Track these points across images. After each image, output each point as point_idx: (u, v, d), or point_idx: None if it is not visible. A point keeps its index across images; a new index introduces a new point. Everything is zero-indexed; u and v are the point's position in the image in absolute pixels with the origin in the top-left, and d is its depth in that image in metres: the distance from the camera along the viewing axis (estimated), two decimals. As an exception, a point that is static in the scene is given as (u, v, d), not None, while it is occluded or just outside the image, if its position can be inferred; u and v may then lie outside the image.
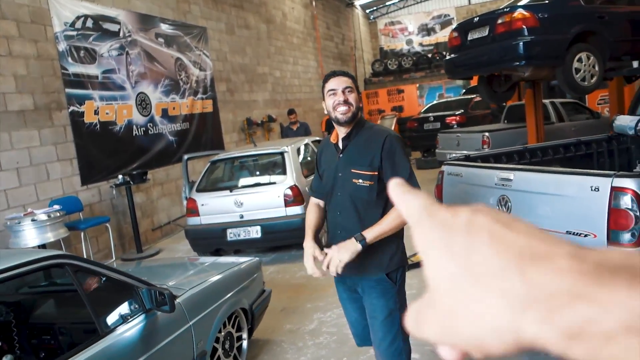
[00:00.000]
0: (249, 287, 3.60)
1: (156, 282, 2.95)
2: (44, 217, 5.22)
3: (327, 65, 18.97)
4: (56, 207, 5.55)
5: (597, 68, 6.20)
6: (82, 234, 6.28)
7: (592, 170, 2.45)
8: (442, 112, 13.14)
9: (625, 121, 3.96)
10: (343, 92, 2.25)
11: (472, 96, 13.86)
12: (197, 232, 6.08)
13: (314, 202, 2.59)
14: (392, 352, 2.24)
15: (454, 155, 10.03)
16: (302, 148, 6.73)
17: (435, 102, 15.18)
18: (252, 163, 6.69)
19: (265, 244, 6.13)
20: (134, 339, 2.55)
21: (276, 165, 6.38)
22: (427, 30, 26.45)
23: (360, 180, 2.25)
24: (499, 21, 6.19)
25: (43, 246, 5.14)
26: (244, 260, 3.86)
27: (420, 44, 26.30)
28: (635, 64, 6.50)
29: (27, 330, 2.84)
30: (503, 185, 2.89)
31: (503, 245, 0.27)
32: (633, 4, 6.58)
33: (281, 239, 5.98)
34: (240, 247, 6.30)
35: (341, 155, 2.33)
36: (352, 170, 2.27)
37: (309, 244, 2.41)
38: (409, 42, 26.58)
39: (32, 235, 5.14)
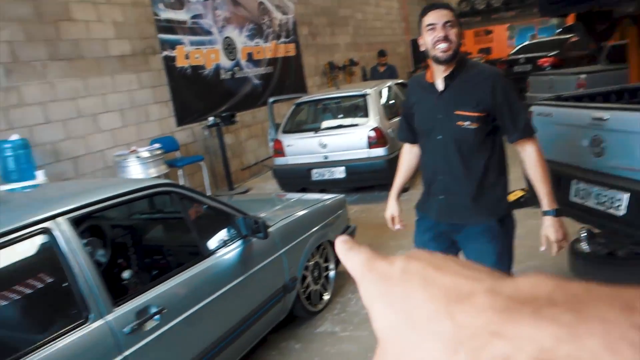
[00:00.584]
0: (335, 222, 3.79)
1: (250, 212, 3.20)
2: (146, 154, 5.68)
3: (410, 6, 18.29)
4: (156, 145, 6.00)
5: None
6: (179, 171, 6.75)
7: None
8: (534, 54, 12.40)
9: None
10: (443, 26, 2.03)
11: (568, 36, 12.93)
12: (283, 172, 6.35)
13: (407, 148, 2.48)
14: None
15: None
16: (385, 90, 6.72)
17: (526, 42, 14.31)
18: (335, 105, 6.79)
19: (349, 184, 6.30)
20: (232, 262, 2.82)
21: (358, 108, 6.44)
22: (520, -36, 24.54)
23: (467, 123, 2.08)
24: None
25: (145, 181, 5.62)
26: (329, 197, 4.04)
27: (513, -20, 24.51)
28: None
29: (141, 250, 3.21)
30: (597, 125, 2.80)
31: (434, 289, 0.27)
32: None
33: (365, 180, 6.11)
34: (325, 187, 6.50)
35: (442, 96, 2.14)
36: (457, 112, 2.09)
37: (391, 204, 2.45)
38: (500, -22, 24.85)
39: (137, 171, 5.62)
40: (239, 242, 2.89)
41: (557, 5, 6.69)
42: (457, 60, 2.11)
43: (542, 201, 2.12)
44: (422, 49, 2.16)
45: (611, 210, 2.77)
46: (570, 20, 15.17)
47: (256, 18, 9.34)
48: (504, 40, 17.30)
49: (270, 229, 3.10)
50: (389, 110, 6.36)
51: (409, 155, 2.48)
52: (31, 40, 5.36)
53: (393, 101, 6.84)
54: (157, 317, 2.24)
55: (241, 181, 8.35)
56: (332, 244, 3.71)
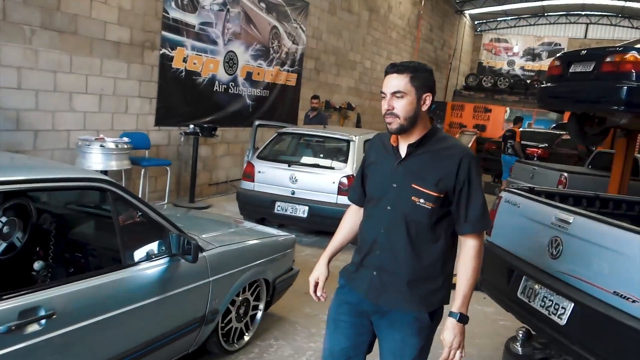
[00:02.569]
0: (278, 261, 3.61)
1: (193, 231, 3.02)
2: (112, 145, 5.47)
3: (419, 67, 18.60)
4: (125, 139, 5.80)
5: None
6: (142, 171, 6.53)
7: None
8: (525, 142, 12.56)
9: None
10: (391, 97, 1.88)
11: (561, 132, 13.17)
12: (247, 197, 6.18)
13: (354, 209, 2.24)
14: None
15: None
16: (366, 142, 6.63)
17: (521, 129, 14.52)
18: (317, 144, 6.69)
19: (309, 225, 6.13)
20: (152, 278, 2.61)
21: (339, 152, 6.34)
22: (532, 55, 25.39)
23: (422, 200, 1.88)
24: (608, 59, 5.78)
25: (105, 172, 5.39)
26: (281, 234, 3.87)
27: (522, 68, 25.30)
28: None
29: (63, 243, 2.98)
30: (559, 226, 2.69)
31: None
32: None
33: (326, 225, 5.94)
34: (285, 222, 6.33)
35: (402, 164, 1.95)
36: (414, 186, 1.89)
37: (320, 267, 2.20)
38: (511, 63, 25.62)
39: (98, 160, 5.40)
40: (165, 260, 2.69)
41: (555, 100, 6.77)
42: (428, 130, 1.95)
43: (455, 300, 1.90)
44: None
45: (553, 317, 2.64)
46: (567, 117, 15.53)
47: (265, 41, 9.33)
48: (500, 121, 17.61)
49: (204, 253, 2.92)
50: (368, 161, 6.26)
51: (354, 217, 2.23)
52: (28, 4, 5.21)
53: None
54: (43, 321, 2.02)
55: (205, 196, 8.14)
56: (268, 282, 3.52)
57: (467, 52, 25.54)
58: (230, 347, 3.26)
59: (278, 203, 5.98)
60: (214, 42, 8.00)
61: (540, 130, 13.75)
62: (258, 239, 3.56)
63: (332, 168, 6.04)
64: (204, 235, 3.17)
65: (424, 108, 1.92)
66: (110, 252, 2.77)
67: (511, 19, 26.35)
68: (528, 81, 22.59)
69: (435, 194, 1.89)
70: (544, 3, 24.20)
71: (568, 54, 6.63)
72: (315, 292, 2.21)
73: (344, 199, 5.77)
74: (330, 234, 6.30)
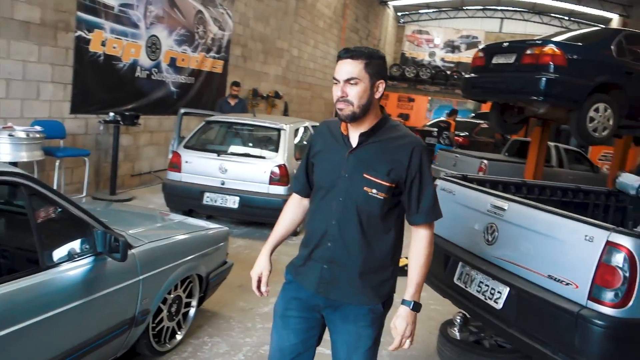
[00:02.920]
0: (211, 255, 3.45)
1: (118, 227, 2.81)
2: (22, 134, 5.02)
3: (345, 57, 18.73)
4: (37, 127, 5.35)
5: (611, 122, 6.10)
6: (57, 162, 6.07)
7: (591, 220, 2.31)
8: (446, 131, 13.01)
9: (629, 180, 3.85)
10: (345, 84, 1.81)
11: (480, 122, 13.76)
12: (174, 188, 5.91)
13: (295, 200, 2.15)
14: None
15: (447, 173, 9.98)
16: (301, 130, 6.56)
17: (442, 118, 15.04)
18: (247, 133, 6.52)
19: (240, 216, 5.98)
20: (76, 280, 2.39)
21: (270, 141, 6.22)
22: (452, 47, 26.31)
23: (374, 191, 1.84)
24: (528, 51, 6.05)
25: (14, 164, 4.94)
26: (212, 227, 3.71)
27: (442, 59, 26.16)
28: (649, 127, 6.40)
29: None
30: (495, 213, 2.75)
31: None
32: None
33: (257, 215, 5.83)
34: (214, 214, 6.13)
35: (354, 153, 1.88)
36: (365, 176, 1.84)
37: (262, 261, 2.08)
38: (432, 54, 26.43)
39: (6, 150, 4.94)
40: (90, 259, 2.47)
41: (478, 90, 7.00)
42: (380, 119, 1.89)
43: (408, 288, 1.88)
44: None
45: (489, 302, 2.70)
46: (485, 107, 16.26)
47: (190, 25, 8.96)
48: (423, 110, 18.14)
49: (133, 250, 2.71)
50: (298, 151, 6.19)
51: (296, 208, 2.14)
52: None
53: (305, 142, 6.70)
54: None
55: (127, 187, 7.73)
56: (201, 277, 3.36)
57: (390, 43, 26.05)
58: (161, 347, 3.08)
59: (207, 194, 5.77)
60: (135, 26, 7.56)
61: (461, 119, 14.27)
62: (190, 232, 3.38)
63: (263, 157, 5.91)
64: (131, 231, 2.96)
65: (377, 96, 1.86)
66: (25, 254, 2.51)
67: (432, 11, 27.14)
68: (448, 72, 23.41)
69: (387, 184, 1.85)
70: (462, -3, 25.17)
71: (491, 47, 6.88)
72: (258, 287, 2.09)
73: (275, 189, 5.67)
74: (262, 224, 6.24)
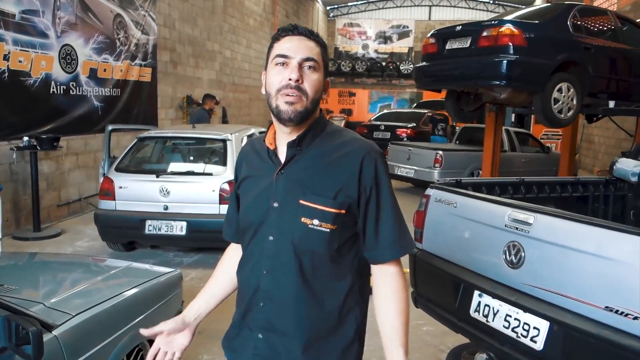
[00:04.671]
0: (164, 311, 2.74)
1: (35, 294, 2.08)
2: None
3: (280, 55, 18.09)
4: None
5: (575, 102, 5.82)
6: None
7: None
8: (394, 123, 12.68)
9: (628, 165, 3.47)
10: (300, 65, 1.29)
11: (425, 111, 13.53)
12: (109, 219, 5.08)
13: (233, 249, 1.59)
14: None
15: (403, 169, 9.61)
16: (244, 139, 5.89)
17: (387, 111, 14.75)
18: (188, 147, 5.77)
19: (190, 243, 5.25)
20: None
21: (215, 154, 5.51)
22: (384, 38, 26.23)
23: (316, 222, 1.30)
24: (484, 34, 5.66)
25: None
26: (163, 272, 2.99)
27: (376, 51, 26.04)
28: (611, 103, 6.20)
29: None
30: (517, 229, 2.23)
31: None
32: (617, 40, 6.26)
33: (210, 240, 5.10)
34: (159, 243, 5.37)
35: (282, 172, 1.35)
36: (302, 202, 1.31)
37: (176, 322, 1.51)
38: (365, 46, 26.25)
39: None
40: (-11, 357, 1.74)
41: (433, 79, 6.57)
42: (311, 122, 1.35)
43: (391, 352, 1.31)
44: (262, 91, 1.37)
45: (524, 340, 2.17)
46: (427, 96, 16.11)
47: (109, 31, 8.03)
48: (365, 104, 17.80)
49: (55, 332, 1.99)
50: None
51: (233, 260, 1.53)
52: None
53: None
54: None
55: (55, 220, 6.76)
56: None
57: (323, 38, 25.63)
58: None
59: (149, 222, 4.99)
60: (44, 35, 6.59)
61: (406, 110, 14.00)
62: (134, 286, 2.67)
63: (210, 174, 5.19)
64: (53, 299, 2.22)
65: (324, 95, 1.36)
66: None
67: (361, 3, 26.96)
68: (383, 63, 23.25)
69: (334, 211, 1.30)
70: (389, -13, 25.10)
71: (442, 31, 6.45)
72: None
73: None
74: (215, 249, 5.53)
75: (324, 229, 1.30)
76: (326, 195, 1.30)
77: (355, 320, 1.38)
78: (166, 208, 5.01)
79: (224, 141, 5.31)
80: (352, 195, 1.31)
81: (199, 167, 5.44)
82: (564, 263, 2.04)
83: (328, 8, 26.66)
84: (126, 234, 5.15)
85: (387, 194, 1.34)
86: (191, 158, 5.66)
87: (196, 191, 5.04)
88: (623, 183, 3.55)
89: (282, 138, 1.36)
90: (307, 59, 1.29)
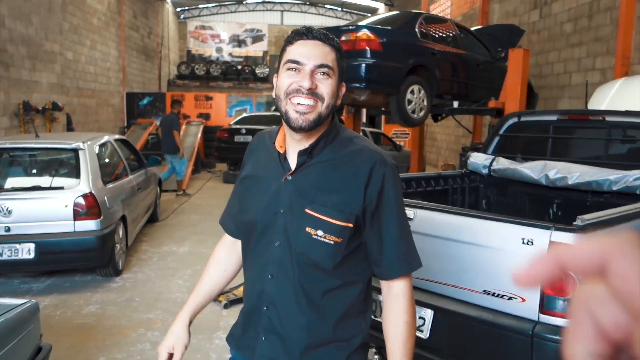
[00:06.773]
0: (18, 350, 2.37)
1: None
2: None
3: (129, 57, 17.07)
4: None
5: (425, 102, 6.27)
6: None
7: (525, 220, 1.99)
8: (255, 126, 12.62)
9: (480, 159, 3.81)
10: (312, 72, 1.22)
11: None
12: None
13: (227, 242, 1.54)
14: None
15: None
16: (103, 147, 5.42)
17: (246, 114, 14.64)
18: (31, 160, 5.12)
19: (40, 267, 4.65)
20: None
21: (65, 165, 4.97)
22: (238, 41, 26.11)
23: (320, 232, 1.24)
24: (343, 38, 5.84)
25: None
26: (14, 304, 2.58)
27: (230, 54, 25.79)
28: (455, 103, 6.80)
29: None
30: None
31: None
32: (457, 46, 6.89)
33: (64, 262, 4.57)
34: (2, 271, 4.69)
35: (292, 179, 1.30)
36: (308, 211, 1.25)
37: (176, 331, 1.44)
38: (219, 49, 25.87)
39: None
40: None
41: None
42: (327, 127, 1.31)
43: None
44: (273, 94, 1.32)
45: (410, 331, 2.25)
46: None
47: None
48: (223, 108, 17.48)
49: None
50: (105, 172, 5.07)
51: (228, 254, 1.51)
52: None
53: (107, 160, 5.57)
54: None
55: None
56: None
57: (174, 40, 24.70)
58: None
59: (-12, 247, 4.33)
60: None
61: (268, 113, 14.04)
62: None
63: (61, 188, 4.65)
64: None
65: (338, 102, 1.31)
66: None
67: (213, 6, 26.47)
68: (239, 67, 23.11)
69: (340, 224, 1.25)
70: (241, -9, 25.02)
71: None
72: None
73: (84, 224, 4.51)
74: (71, 271, 4.99)
75: (328, 241, 1.25)
76: (333, 207, 1.25)
77: (358, 329, 1.34)
78: (8, 230, 4.38)
79: (76, 150, 4.81)
80: (358, 207, 1.26)
81: (46, 180, 4.86)
82: (443, 253, 2.15)
83: (178, 10, 25.78)
84: (-42, 262, 4.41)
85: (393, 207, 1.29)
86: (36, 171, 5.04)
87: (45, 208, 4.49)
88: (476, 175, 3.89)
89: (293, 143, 1.31)
90: (321, 66, 1.23)
